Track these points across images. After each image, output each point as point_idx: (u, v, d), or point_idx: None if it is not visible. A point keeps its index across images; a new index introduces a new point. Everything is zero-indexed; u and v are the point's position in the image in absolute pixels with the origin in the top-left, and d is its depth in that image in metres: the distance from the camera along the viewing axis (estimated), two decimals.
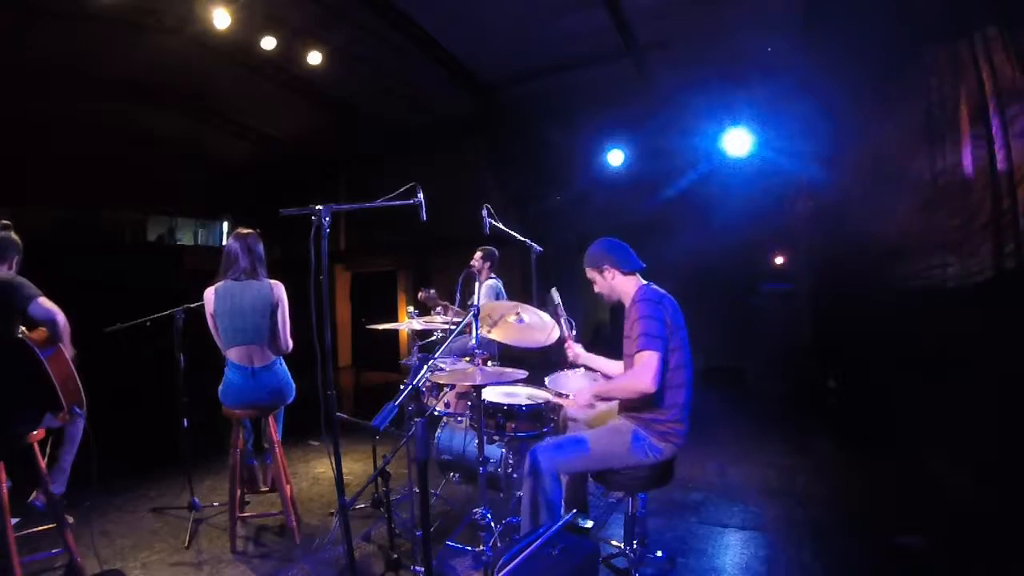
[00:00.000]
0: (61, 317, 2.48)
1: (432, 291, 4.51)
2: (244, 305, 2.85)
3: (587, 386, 2.58)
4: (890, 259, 4.48)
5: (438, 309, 4.44)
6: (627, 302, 2.44)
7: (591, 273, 2.53)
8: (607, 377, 2.80)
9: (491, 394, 2.99)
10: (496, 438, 2.92)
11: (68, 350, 2.61)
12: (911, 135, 4.12)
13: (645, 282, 2.47)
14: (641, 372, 2.18)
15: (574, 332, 2.80)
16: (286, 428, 3.21)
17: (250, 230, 3.01)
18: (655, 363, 2.17)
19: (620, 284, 2.47)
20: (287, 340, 2.99)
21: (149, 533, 3.10)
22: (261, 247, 3.00)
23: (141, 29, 5.31)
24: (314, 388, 2.18)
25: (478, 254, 4.65)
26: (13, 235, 2.60)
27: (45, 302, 2.45)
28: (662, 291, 2.41)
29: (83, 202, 8.15)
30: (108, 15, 4.94)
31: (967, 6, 3.40)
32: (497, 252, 4.72)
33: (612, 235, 2.56)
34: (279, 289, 2.96)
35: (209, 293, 2.90)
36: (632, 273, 2.46)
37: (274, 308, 2.92)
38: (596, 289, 2.55)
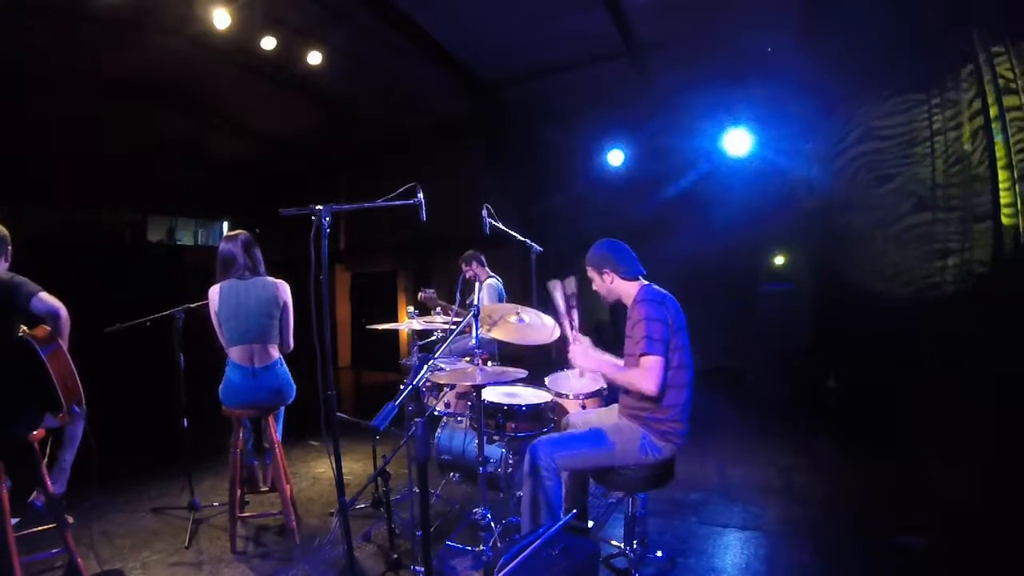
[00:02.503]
0: (64, 311, 2.48)
1: (432, 291, 4.52)
2: (249, 304, 2.86)
3: (594, 357, 2.53)
4: (890, 258, 4.48)
5: (437, 309, 4.44)
6: (628, 302, 2.44)
7: (591, 273, 2.53)
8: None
9: (491, 394, 2.99)
10: (496, 438, 2.93)
11: (65, 344, 2.60)
12: (911, 134, 4.12)
13: (646, 282, 2.47)
14: (646, 376, 2.19)
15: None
16: (286, 428, 3.21)
17: (239, 231, 3.03)
18: (659, 368, 2.19)
19: (619, 287, 2.47)
20: (289, 340, 3.02)
21: (149, 533, 3.10)
22: (257, 247, 3.01)
23: (141, 29, 5.31)
24: (314, 388, 2.18)
25: (463, 264, 4.65)
26: None
27: (46, 296, 2.45)
28: (664, 291, 2.40)
29: (83, 202, 8.14)
30: (108, 15, 4.94)
31: (966, 5, 3.40)
32: (478, 253, 4.74)
33: (612, 235, 2.56)
34: (284, 291, 2.97)
35: (213, 292, 2.90)
36: (633, 279, 2.46)
37: (280, 308, 2.93)
38: (594, 288, 2.55)
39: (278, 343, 2.98)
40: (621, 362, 2.59)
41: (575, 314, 2.71)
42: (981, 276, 3.42)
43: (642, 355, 2.22)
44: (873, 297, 4.69)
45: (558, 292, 2.68)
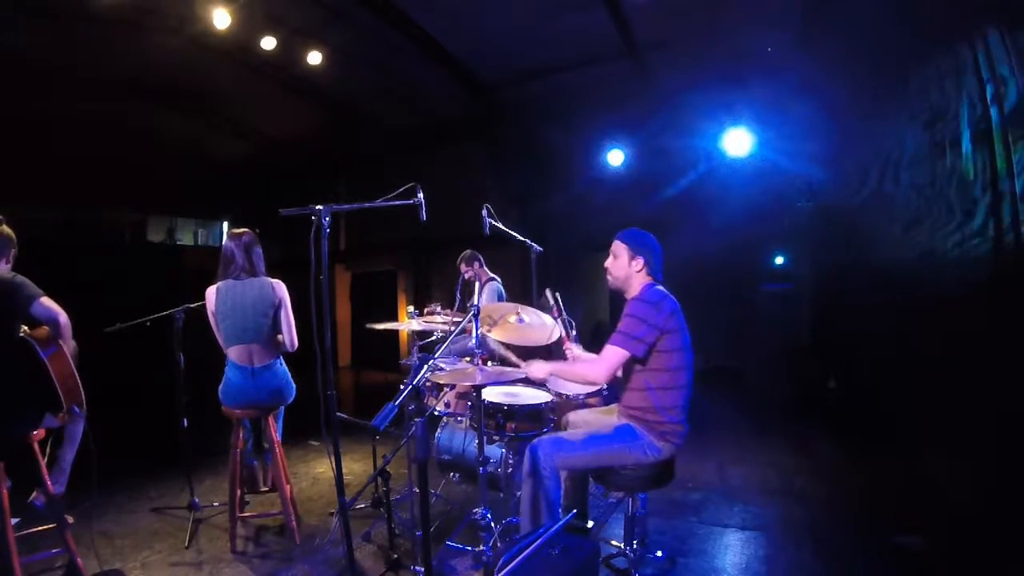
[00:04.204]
0: (63, 317, 2.48)
1: (436, 306, 4.45)
2: (246, 304, 2.86)
3: (545, 367, 2.51)
4: (890, 258, 4.48)
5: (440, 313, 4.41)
6: (628, 297, 2.45)
7: (621, 250, 2.46)
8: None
9: (491, 394, 2.99)
10: (496, 438, 2.92)
11: (69, 346, 2.60)
12: (911, 134, 4.12)
13: (651, 281, 2.46)
14: (598, 363, 2.26)
15: (574, 332, 2.80)
16: (286, 428, 3.21)
17: (244, 229, 3.02)
18: (615, 358, 2.24)
19: (636, 279, 2.46)
20: (293, 340, 2.99)
21: (149, 533, 3.10)
22: (258, 247, 3.01)
23: (141, 29, 5.31)
24: (314, 388, 2.18)
25: (463, 264, 4.61)
26: (5, 228, 2.59)
27: (47, 302, 2.45)
28: (664, 292, 2.40)
29: (83, 202, 8.15)
30: (108, 15, 4.95)
31: (967, 6, 3.40)
32: (477, 253, 4.71)
33: (613, 236, 2.55)
34: (281, 289, 2.96)
35: (211, 292, 2.91)
36: (651, 279, 2.47)
37: (276, 307, 2.92)
38: (608, 264, 2.49)
39: (277, 343, 2.97)
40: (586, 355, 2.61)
41: (563, 324, 2.71)
42: (982, 274, 3.42)
43: (607, 344, 2.25)
44: (873, 297, 4.69)
45: (551, 298, 2.69)
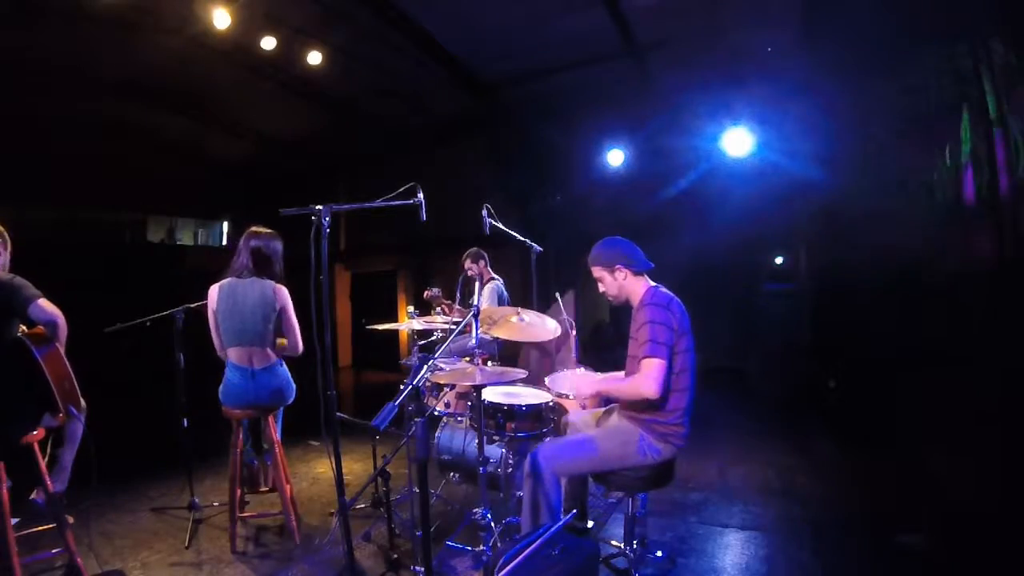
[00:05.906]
0: (62, 320, 2.48)
1: (437, 290, 4.45)
2: (245, 306, 2.85)
3: (591, 378, 2.55)
4: (890, 258, 4.48)
5: (439, 309, 4.42)
6: (634, 302, 2.43)
7: (600, 272, 2.48)
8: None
9: (491, 394, 2.99)
10: (496, 438, 2.92)
11: (62, 349, 2.59)
12: (912, 134, 4.12)
13: (654, 284, 2.46)
14: (646, 379, 2.19)
15: (573, 332, 2.80)
16: (286, 428, 3.20)
17: (259, 229, 2.99)
18: (660, 371, 2.18)
19: (630, 284, 2.44)
20: (298, 343, 2.97)
21: (149, 533, 3.10)
22: (268, 250, 2.97)
23: (141, 29, 5.31)
24: (314, 388, 2.18)
25: (468, 261, 4.57)
26: None
27: (46, 304, 2.44)
28: (670, 294, 2.39)
29: (83, 202, 8.15)
30: (108, 15, 4.94)
31: (966, 7, 3.40)
32: (483, 251, 4.69)
33: (613, 235, 2.55)
34: (282, 294, 2.92)
35: (213, 290, 2.90)
36: (641, 273, 2.46)
37: (276, 312, 2.90)
38: (602, 289, 2.51)
39: (278, 346, 2.96)
40: (620, 374, 2.59)
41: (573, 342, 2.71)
42: (982, 274, 3.43)
43: (644, 358, 2.22)
44: (873, 297, 4.69)
45: (566, 306, 2.68)
